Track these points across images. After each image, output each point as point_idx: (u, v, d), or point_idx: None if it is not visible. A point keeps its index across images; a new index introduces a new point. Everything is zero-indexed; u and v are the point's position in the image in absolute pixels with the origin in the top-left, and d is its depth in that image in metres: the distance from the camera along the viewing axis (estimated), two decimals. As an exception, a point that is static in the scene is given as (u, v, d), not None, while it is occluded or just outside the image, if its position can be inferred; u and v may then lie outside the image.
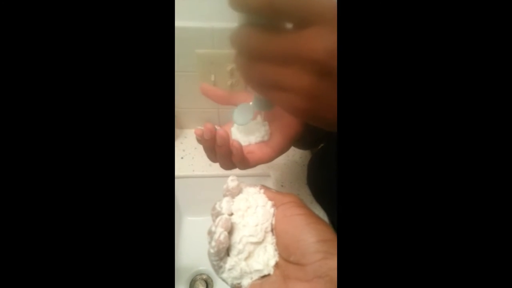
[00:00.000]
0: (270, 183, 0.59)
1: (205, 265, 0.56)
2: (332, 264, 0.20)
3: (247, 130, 0.32)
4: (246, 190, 0.26)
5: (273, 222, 0.24)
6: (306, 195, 0.56)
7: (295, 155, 0.63)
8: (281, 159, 0.62)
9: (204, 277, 0.56)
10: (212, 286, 0.55)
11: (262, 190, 0.26)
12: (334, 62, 0.19)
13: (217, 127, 0.28)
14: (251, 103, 0.28)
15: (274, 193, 0.25)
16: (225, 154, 0.28)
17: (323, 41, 0.19)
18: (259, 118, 0.33)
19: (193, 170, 0.58)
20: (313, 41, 0.19)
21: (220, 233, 0.22)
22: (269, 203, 0.24)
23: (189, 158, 0.61)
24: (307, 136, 0.38)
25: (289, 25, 0.20)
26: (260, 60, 0.21)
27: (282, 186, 0.57)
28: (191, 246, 0.61)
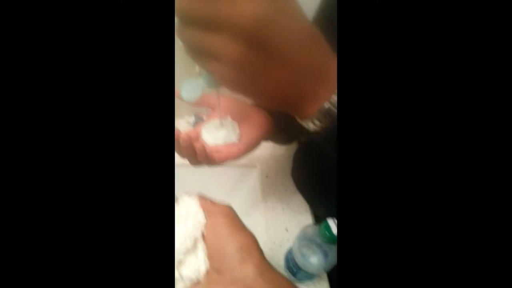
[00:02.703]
0: (256, 174, 0.61)
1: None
2: (246, 270, 0.21)
3: (216, 132, 0.34)
4: (182, 200, 0.27)
5: (204, 232, 0.24)
6: (291, 185, 0.58)
7: (281, 147, 0.65)
8: (267, 151, 0.64)
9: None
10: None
11: (196, 199, 0.26)
12: (262, 31, 0.18)
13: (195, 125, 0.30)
14: (201, 78, 0.27)
15: (208, 203, 0.26)
16: (190, 153, 0.32)
17: (246, 6, 0.18)
18: (229, 119, 0.35)
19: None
20: (236, 6, 0.18)
21: None
22: (201, 212, 0.25)
23: (177, 147, 0.62)
24: (278, 134, 0.41)
25: None
26: (193, 25, 0.20)
27: (267, 177, 0.60)
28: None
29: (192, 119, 0.65)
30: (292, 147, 0.65)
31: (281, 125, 0.40)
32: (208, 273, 0.23)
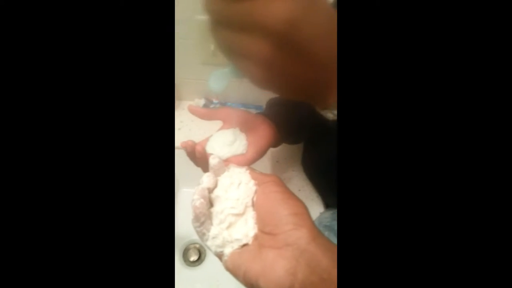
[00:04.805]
0: (266, 158, 0.59)
1: (198, 235, 0.57)
2: (300, 234, 0.22)
3: (228, 145, 0.36)
4: (233, 169, 0.29)
5: (255, 199, 0.26)
6: (301, 172, 0.56)
7: (292, 132, 0.63)
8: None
9: (197, 246, 0.58)
10: (205, 254, 0.57)
11: (248, 171, 0.28)
12: (292, 32, 0.19)
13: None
14: (227, 69, 0.29)
15: (257, 174, 0.28)
16: (204, 163, 0.35)
17: (277, 9, 0.18)
18: (237, 131, 0.37)
19: (190, 142, 0.58)
20: (267, 9, 0.18)
21: (196, 200, 0.25)
22: (252, 181, 0.27)
23: (186, 129, 0.60)
24: (284, 140, 0.43)
25: None
26: (225, 25, 0.21)
27: (277, 161, 0.58)
28: (186, 216, 0.62)
29: (202, 101, 0.64)
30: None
31: (286, 132, 0.41)
32: (258, 236, 0.24)
